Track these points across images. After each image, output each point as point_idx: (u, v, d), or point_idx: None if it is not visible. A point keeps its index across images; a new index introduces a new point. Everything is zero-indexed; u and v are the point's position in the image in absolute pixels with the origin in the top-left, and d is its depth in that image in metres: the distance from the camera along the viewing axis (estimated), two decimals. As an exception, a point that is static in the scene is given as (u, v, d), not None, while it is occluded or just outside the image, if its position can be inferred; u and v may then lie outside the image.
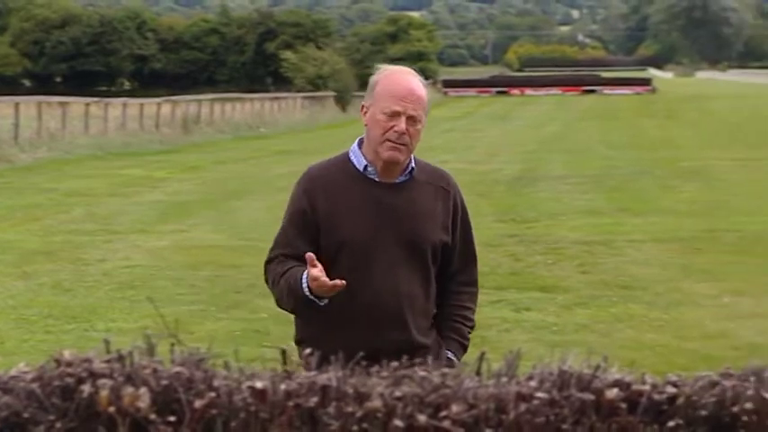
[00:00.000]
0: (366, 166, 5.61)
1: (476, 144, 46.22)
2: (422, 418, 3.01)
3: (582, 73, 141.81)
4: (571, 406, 3.07)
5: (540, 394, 3.09)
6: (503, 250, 18.56)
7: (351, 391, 3.08)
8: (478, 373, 3.24)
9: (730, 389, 3.09)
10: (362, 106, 5.66)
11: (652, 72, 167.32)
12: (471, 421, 3.03)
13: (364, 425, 3.01)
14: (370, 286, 5.52)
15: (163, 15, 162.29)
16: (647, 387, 3.12)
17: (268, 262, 5.74)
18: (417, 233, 5.63)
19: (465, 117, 70.81)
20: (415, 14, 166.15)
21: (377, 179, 5.63)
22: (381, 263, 5.57)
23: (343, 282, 5.26)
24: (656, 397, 3.10)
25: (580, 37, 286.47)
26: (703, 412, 3.06)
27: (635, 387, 3.11)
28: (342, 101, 79.06)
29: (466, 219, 5.87)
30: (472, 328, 5.92)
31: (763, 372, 3.17)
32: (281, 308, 5.79)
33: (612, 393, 3.07)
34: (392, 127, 5.45)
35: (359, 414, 3.01)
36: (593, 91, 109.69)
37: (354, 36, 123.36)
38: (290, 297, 5.49)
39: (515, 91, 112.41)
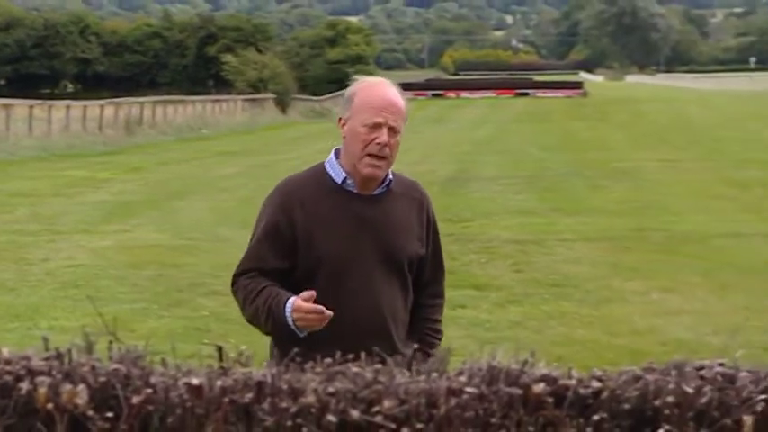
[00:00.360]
0: (345, 179, 5.37)
1: (412, 146, 46.00)
2: (354, 413, 3.02)
3: (515, 77, 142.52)
4: (499, 400, 3.09)
5: (469, 389, 3.10)
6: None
7: (285, 386, 3.08)
8: (409, 368, 3.24)
9: (653, 383, 3.11)
10: (339, 119, 5.44)
11: (583, 76, 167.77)
12: (403, 416, 3.04)
13: (298, 420, 3.01)
14: (352, 300, 5.25)
15: (106, 20, 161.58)
16: (573, 382, 3.14)
17: (238, 275, 5.41)
18: (396, 245, 5.42)
19: (402, 119, 70.68)
20: (353, 19, 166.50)
21: (355, 191, 5.38)
22: (361, 276, 5.32)
23: (330, 314, 5.01)
24: (582, 391, 3.11)
25: (514, 42, 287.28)
26: (627, 406, 3.08)
27: (561, 382, 3.13)
28: (282, 103, 79.01)
29: (436, 230, 5.67)
30: (440, 340, 5.68)
31: (684, 366, 3.19)
32: (251, 324, 5.44)
33: (539, 388, 3.08)
34: (373, 139, 5.23)
35: (293, 409, 3.02)
36: (526, 94, 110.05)
37: (294, 40, 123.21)
38: (269, 321, 5.19)
39: (451, 94, 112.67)
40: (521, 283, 16.10)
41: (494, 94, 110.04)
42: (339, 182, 5.38)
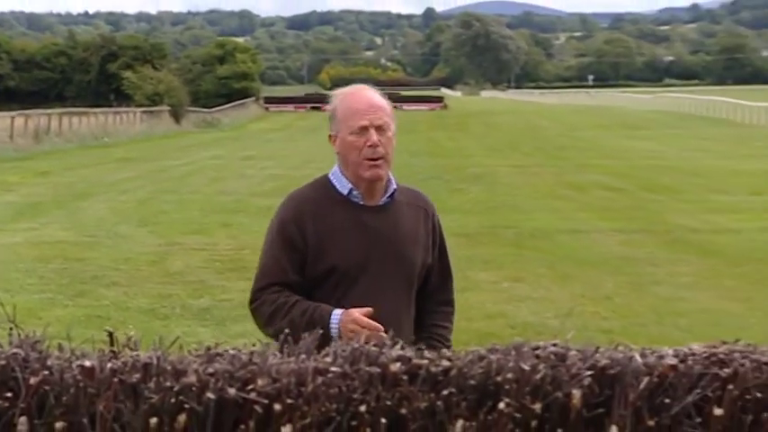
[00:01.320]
0: (351, 191, 4.90)
1: (293, 153, 46.18)
2: (231, 391, 3.01)
3: (385, 91, 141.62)
4: (360, 378, 3.10)
5: (334, 368, 3.11)
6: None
7: (169, 368, 3.06)
8: (282, 351, 3.24)
9: (495, 361, 3.14)
10: (330, 136, 5.04)
11: (444, 91, 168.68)
12: (275, 393, 3.04)
13: (181, 397, 2.99)
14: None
15: (15, 39, 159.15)
16: (425, 361, 3.16)
17: (260, 290, 4.89)
18: (404, 255, 4.94)
19: (284, 129, 70.74)
20: (239, 40, 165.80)
21: (361, 203, 4.92)
22: (370, 286, 4.82)
23: (382, 331, 4.42)
24: (433, 369, 3.13)
25: (383, 60, 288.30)
26: (472, 382, 3.11)
27: (415, 361, 3.15)
28: (176, 114, 78.59)
29: (443, 237, 5.20)
30: (449, 348, 4.94)
31: (522, 347, 3.22)
32: (274, 338, 4.31)
33: (396, 367, 3.10)
34: (365, 143, 4.83)
35: (176, 388, 3.00)
36: (394, 107, 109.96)
37: (187, 58, 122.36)
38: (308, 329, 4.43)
39: (327, 107, 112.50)
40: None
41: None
42: (345, 194, 4.93)
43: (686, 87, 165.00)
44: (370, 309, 4.65)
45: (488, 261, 17.20)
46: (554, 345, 3.29)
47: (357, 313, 4.64)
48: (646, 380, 3.15)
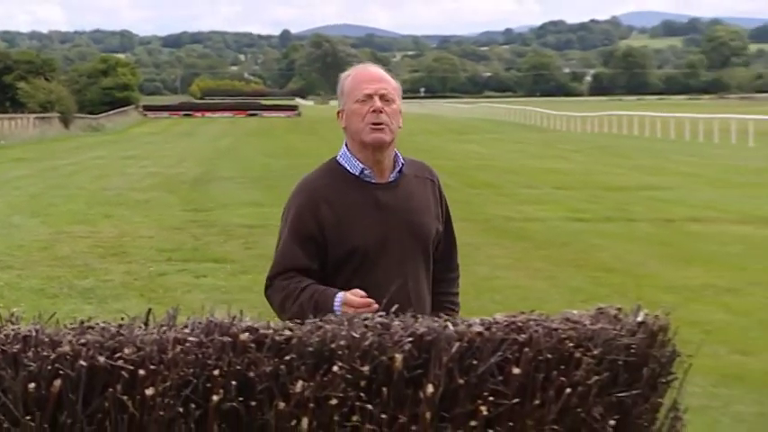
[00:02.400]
0: (362, 170, 4.39)
1: (168, 153, 45.66)
2: (101, 359, 2.97)
3: (248, 101, 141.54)
4: (214, 346, 3.08)
5: (191, 338, 3.09)
6: (187, 232, 18.37)
7: (46, 339, 3.01)
8: (146, 323, 3.21)
9: (330, 331, 3.14)
10: (338, 113, 4.53)
11: (298, 101, 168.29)
12: (139, 360, 3.00)
13: (56, 365, 2.95)
14: (382, 286, 4.11)
15: None
16: (270, 331, 3.15)
17: (273, 277, 4.40)
18: (420, 227, 4.44)
19: (160, 133, 69.74)
20: (121, 56, 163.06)
21: (374, 181, 4.39)
22: (390, 262, 4.31)
23: (377, 306, 3.96)
24: (277, 338, 3.13)
25: (246, 75, 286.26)
26: (310, 348, 3.11)
27: (262, 331, 3.14)
28: (65, 120, 77.18)
29: (447, 207, 4.70)
30: (458, 312, 4.57)
31: (353, 318, 3.23)
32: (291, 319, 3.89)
33: (245, 336, 3.09)
34: (369, 109, 4.33)
35: (52, 357, 2.95)
36: (255, 114, 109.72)
37: (74, 71, 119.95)
38: (316, 317, 3.80)
39: (198, 114, 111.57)
40: (250, 257, 15.99)
41: (231, 115, 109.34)
42: (357, 173, 4.40)
43: (502, 99, 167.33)
44: (361, 292, 4.12)
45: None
46: (380, 316, 3.31)
47: (350, 295, 4.12)
48: (457, 345, 3.19)
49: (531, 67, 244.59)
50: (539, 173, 31.64)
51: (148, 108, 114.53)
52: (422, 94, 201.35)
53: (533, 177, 29.93)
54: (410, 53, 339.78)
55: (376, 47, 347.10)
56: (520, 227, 19.21)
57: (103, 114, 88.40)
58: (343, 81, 4.52)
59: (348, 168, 4.43)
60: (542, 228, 18.96)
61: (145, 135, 65.86)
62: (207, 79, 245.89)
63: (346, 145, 4.49)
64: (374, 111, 4.34)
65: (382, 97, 4.37)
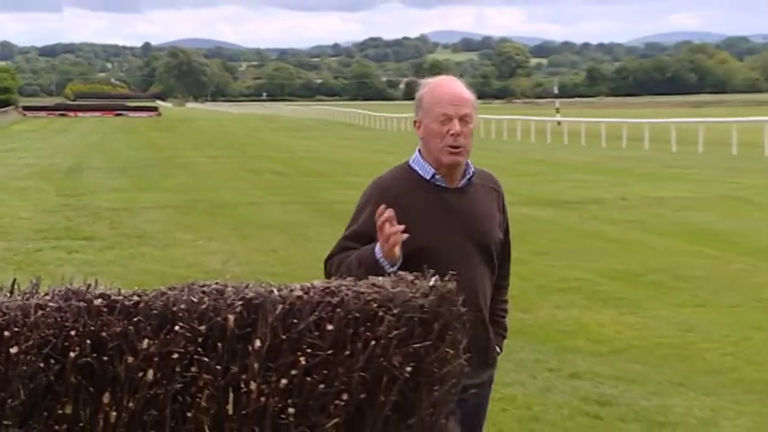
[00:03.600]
0: (434, 174, 3.93)
1: (44, 146, 44.43)
2: (-30, 323, 2.87)
3: (115, 103, 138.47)
4: (72, 311, 3.00)
5: (51, 304, 3.01)
6: (60, 214, 17.96)
7: None
8: (11, 292, 3.11)
9: (172, 296, 3.10)
10: (415, 122, 4.00)
11: (159, 103, 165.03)
12: (4, 323, 2.91)
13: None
14: None
15: None
16: (121, 297, 3.09)
17: (330, 257, 4.00)
18: (484, 233, 3.99)
19: (39, 130, 67.55)
20: (2, 63, 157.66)
21: (444, 185, 3.95)
22: (457, 262, 3.70)
23: (401, 228, 3.65)
24: (127, 303, 3.07)
25: (113, 80, 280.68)
26: (155, 311, 3.06)
27: (113, 297, 3.07)
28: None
29: (507, 217, 4.18)
30: (505, 318, 4.22)
31: (193, 285, 3.19)
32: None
33: (98, 302, 3.02)
34: (447, 131, 3.85)
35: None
36: (121, 114, 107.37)
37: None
38: (361, 268, 3.66)
39: (71, 114, 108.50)
40: (115, 235, 15.73)
41: (100, 115, 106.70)
42: (428, 177, 3.94)
43: (331, 102, 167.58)
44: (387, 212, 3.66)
45: (189, 225, 17.01)
46: (216, 283, 3.28)
47: (383, 235, 3.66)
48: (280, 307, 3.18)
49: (355, 76, 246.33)
50: (361, 163, 31.83)
51: (27, 108, 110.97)
52: (264, 98, 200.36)
53: (357, 167, 30.09)
54: (254, 63, 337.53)
55: (224, 57, 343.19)
56: (344, 208, 19.21)
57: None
58: (423, 92, 3.97)
59: (420, 172, 3.97)
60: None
61: (24, 132, 63.72)
62: (79, 84, 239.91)
63: (419, 151, 4.01)
64: (453, 134, 3.86)
65: (461, 119, 3.87)
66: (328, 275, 3.90)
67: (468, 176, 4.00)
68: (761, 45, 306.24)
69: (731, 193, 20.58)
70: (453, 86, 3.93)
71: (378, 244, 3.71)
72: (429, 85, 3.97)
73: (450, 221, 3.90)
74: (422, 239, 3.77)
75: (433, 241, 3.82)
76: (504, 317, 4.16)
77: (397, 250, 3.70)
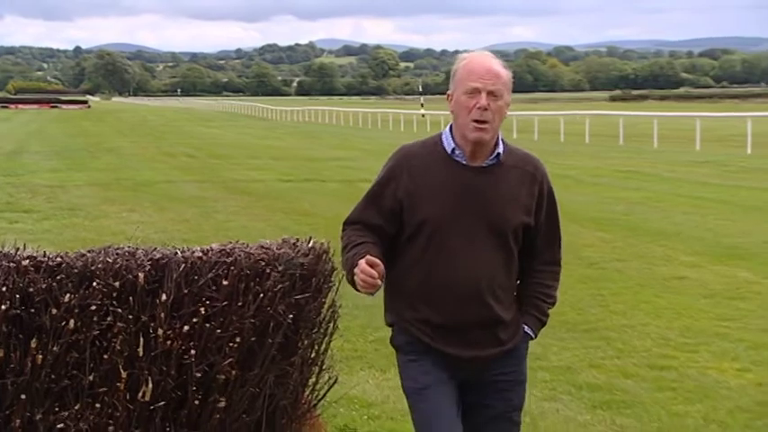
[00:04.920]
0: (454, 149, 3.15)
1: (-13, 134, 42.63)
2: None
3: (50, 96, 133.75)
4: (2, 270, 2.91)
5: (-15, 267, 2.91)
6: (3, 191, 17.25)
7: None
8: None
9: (91, 257, 3.03)
10: (447, 95, 3.22)
11: (89, 97, 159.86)
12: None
13: None
14: (449, 264, 3.10)
15: None
16: (46, 258, 3.01)
17: (346, 223, 3.25)
18: (499, 215, 3.14)
19: (-19, 119, 64.80)
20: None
21: (464, 162, 3.15)
22: (461, 242, 3.10)
23: (380, 284, 3.01)
24: (51, 263, 2.99)
25: (48, 78, 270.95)
26: (76, 270, 2.99)
27: (39, 259, 2.99)
28: None
29: (552, 202, 3.28)
30: (552, 304, 3.35)
31: (109, 247, 3.13)
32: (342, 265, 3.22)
33: (26, 262, 2.93)
34: (474, 104, 3.09)
35: None
36: (56, 107, 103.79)
37: None
38: (348, 274, 3.09)
39: (13, 106, 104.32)
40: (51, 208, 15.19)
41: (38, 107, 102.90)
42: (449, 152, 3.16)
43: (235, 97, 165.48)
44: (377, 261, 2.99)
45: (115, 200, 16.54)
46: (128, 246, 3.21)
47: (362, 263, 2.98)
48: (183, 265, 3.14)
49: (255, 76, 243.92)
50: (261, 148, 31.50)
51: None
52: (179, 94, 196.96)
53: (257, 151, 29.78)
54: (170, 64, 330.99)
55: (144, 59, 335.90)
56: (246, 185, 19.11)
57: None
58: (458, 65, 3.21)
59: (444, 145, 3.20)
60: (262, 186, 18.93)
61: (-30, 122, 61.01)
62: (19, 81, 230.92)
63: (450, 125, 3.27)
64: (479, 108, 3.11)
65: (490, 93, 3.11)
66: (340, 241, 3.30)
67: (494, 155, 3.18)
68: (583, 53, 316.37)
69: (561, 172, 21.06)
70: (487, 61, 3.18)
71: (360, 262, 3.01)
72: (465, 59, 3.22)
73: (460, 199, 3.14)
74: (425, 212, 3.13)
75: (435, 217, 3.13)
76: (543, 300, 3.33)
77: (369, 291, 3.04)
